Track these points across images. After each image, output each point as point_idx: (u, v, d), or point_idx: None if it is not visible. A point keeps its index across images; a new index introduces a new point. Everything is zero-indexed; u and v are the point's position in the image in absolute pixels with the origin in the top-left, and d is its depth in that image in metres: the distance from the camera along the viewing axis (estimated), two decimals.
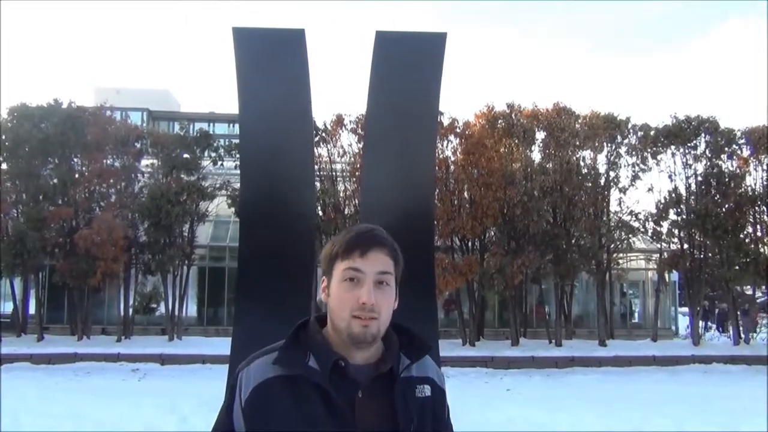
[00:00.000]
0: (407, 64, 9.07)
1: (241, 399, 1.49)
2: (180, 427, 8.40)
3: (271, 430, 1.43)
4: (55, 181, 17.61)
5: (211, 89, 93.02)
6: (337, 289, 1.49)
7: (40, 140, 17.16)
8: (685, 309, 22.13)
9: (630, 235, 19.23)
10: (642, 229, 19.29)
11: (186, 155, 18.67)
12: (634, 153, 18.76)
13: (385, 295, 1.47)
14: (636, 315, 23.98)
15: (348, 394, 1.44)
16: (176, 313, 18.53)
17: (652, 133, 18.66)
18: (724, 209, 18.21)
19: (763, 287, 20.36)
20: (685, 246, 18.84)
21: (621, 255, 19.95)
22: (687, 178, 18.84)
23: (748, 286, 20.87)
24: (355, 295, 1.45)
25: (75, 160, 18.29)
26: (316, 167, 14.55)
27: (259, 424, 1.45)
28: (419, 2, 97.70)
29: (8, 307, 19.45)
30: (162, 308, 19.66)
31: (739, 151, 18.95)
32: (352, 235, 1.52)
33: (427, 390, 1.54)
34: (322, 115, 25.02)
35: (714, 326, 23.21)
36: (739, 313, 19.42)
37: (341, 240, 1.52)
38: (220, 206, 19.56)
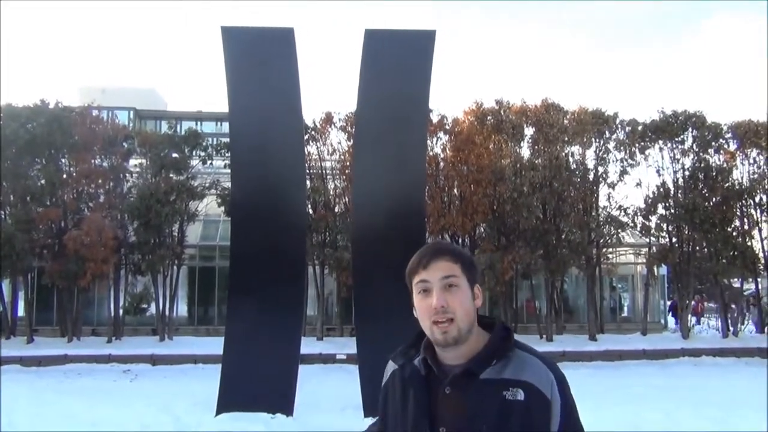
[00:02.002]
0: (396, 62, 9.09)
1: (383, 386, 1.78)
2: (174, 427, 8.39)
3: (385, 413, 1.74)
4: (43, 181, 17.47)
5: (198, 87, 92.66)
6: (416, 302, 1.67)
7: (27, 141, 17.02)
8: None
9: (619, 230, 19.35)
10: (631, 224, 19.39)
11: (175, 155, 18.58)
12: (622, 148, 18.87)
13: (455, 296, 1.60)
14: (625, 309, 24.13)
15: (436, 389, 1.61)
16: (167, 313, 18.47)
17: (639, 128, 18.77)
18: (711, 203, 18.37)
19: (751, 280, 20.54)
20: (674, 240, 18.98)
21: (610, 250, 20.08)
22: (675, 172, 18.97)
23: (736, 279, 21.06)
24: (429, 302, 1.61)
25: (62, 160, 18.16)
26: (306, 165, 14.55)
27: (383, 407, 1.75)
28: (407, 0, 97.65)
29: None
30: (152, 308, 19.58)
31: (725, 146, 19.10)
32: (417, 252, 1.69)
33: (519, 394, 1.54)
34: (311, 113, 25.00)
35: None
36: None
37: (411, 259, 1.69)
38: (209, 205, 19.49)
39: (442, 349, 1.63)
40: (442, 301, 1.58)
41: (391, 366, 1.75)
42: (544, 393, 1.55)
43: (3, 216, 17.57)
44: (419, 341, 1.70)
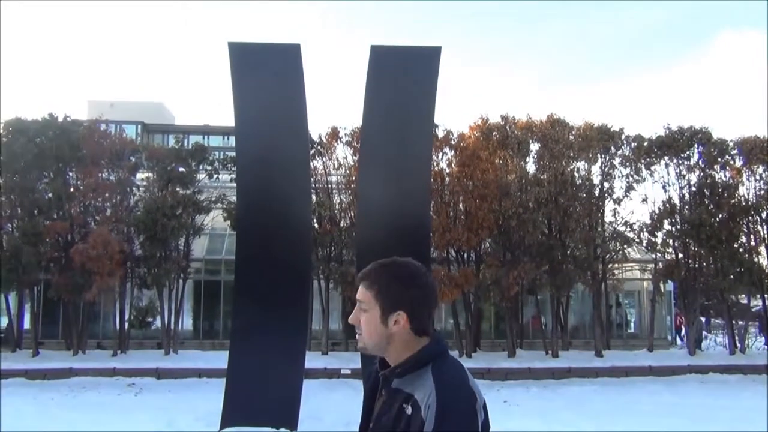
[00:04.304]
0: (402, 78, 9.15)
1: None
2: None
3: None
4: (51, 195, 17.57)
5: (206, 101, 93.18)
6: None
7: (36, 154, 17.13)
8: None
9: (625, 246, 19.27)
10: (637, 240, 19.34)
11: (181, 169, 18.67)
12: (627, 164, 18.84)
13: (363, 318, 1.83)
14: (632, 325, 24.01)
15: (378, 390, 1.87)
16: (172, 326, 18.46)
17: (645, 144, 18.74)
18: (717, 219, 18.29)
19: (758, 296, 20.40)
20: (680, 256, 18.89)
21: (616, 265, 19.99)
22: (681, 188, 18.92)
23: (743, 296, 20.95)
24: None
25: (70, 174, 18.25)
26: (311, 180, 14.60)
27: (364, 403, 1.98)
28: (414, 16, 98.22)
29: (3, 322, 19.34)
30: (158, 322, 19.59)
31: (731, 162, 19.04)
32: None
33: (409, 409, 1.71)
34: (317, 127, 25.08)
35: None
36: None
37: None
38: (215, 219, 19.55)
39: None
40: (353, 319, 1.85)
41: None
42: (422, 413, 1.67)
43: (10, 229, 17.67)
44: None
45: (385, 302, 1.79)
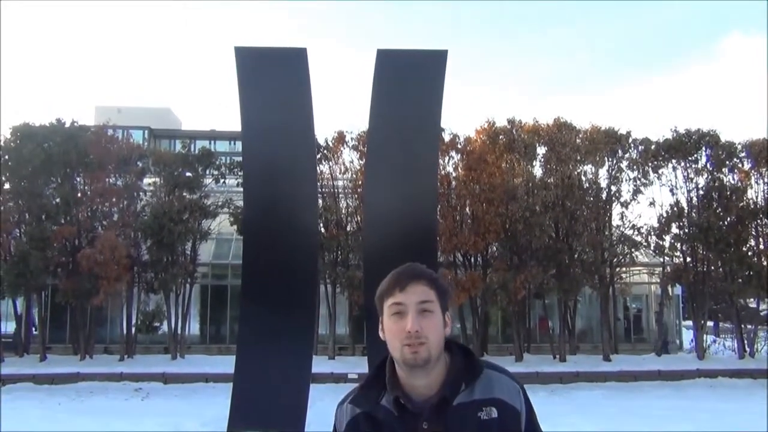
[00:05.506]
0: (408, 82, 9.12)
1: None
2: None
3: None
4: (58, 200, 17.65)
5: (212, 106, 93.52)
6: (387, 323, 1.65)
7: (43, 160, 17.22)
8: (689, 322, 22.06)
9: (632, 249, 19.20)
10: (644, 243, 19.26)
11: (188, 174, 18.72)
12: (635, 167, 18.79)
13: (429, 322, 1.60)
14: (640, 329, 23.89)
15: (413, 425, 1.58)
16: (179, 331, 18.48)
17: (653, 147, 18.69)
18: (726, 223, 18.20)
19: (767, 299, 20.27)
20: (688, 259, 18.80)
21: (624, 269, 19.91)
22: (688, 191, 18.85)
23: (752, 299, 20.83)
24: (402, 325, 1.60)
25: (78, 179, 18.34)
26: (318, 184, 14.59)
27: None
28: (420, 19, 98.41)
29: (11, 327, 19.39)
30: (164, 327, 19.61)
31: (740, 165, 18.96)
32: (392, 274, 1.68)
33: (493, 412, 1.58)
34: (323, 132, 25.11)
35: None
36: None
37: (385, 281, 1.69)
38: (222, 224, 19.57)
39: (410, 374, 1.61)
40: (416, 325, 1.57)
41: (349, 410, 1.70)
42: (515, 406, 1.62)
43: (18, 234, 17.73)
44: (377, 380, 1.68)
45: (442, 302, 1.65)
